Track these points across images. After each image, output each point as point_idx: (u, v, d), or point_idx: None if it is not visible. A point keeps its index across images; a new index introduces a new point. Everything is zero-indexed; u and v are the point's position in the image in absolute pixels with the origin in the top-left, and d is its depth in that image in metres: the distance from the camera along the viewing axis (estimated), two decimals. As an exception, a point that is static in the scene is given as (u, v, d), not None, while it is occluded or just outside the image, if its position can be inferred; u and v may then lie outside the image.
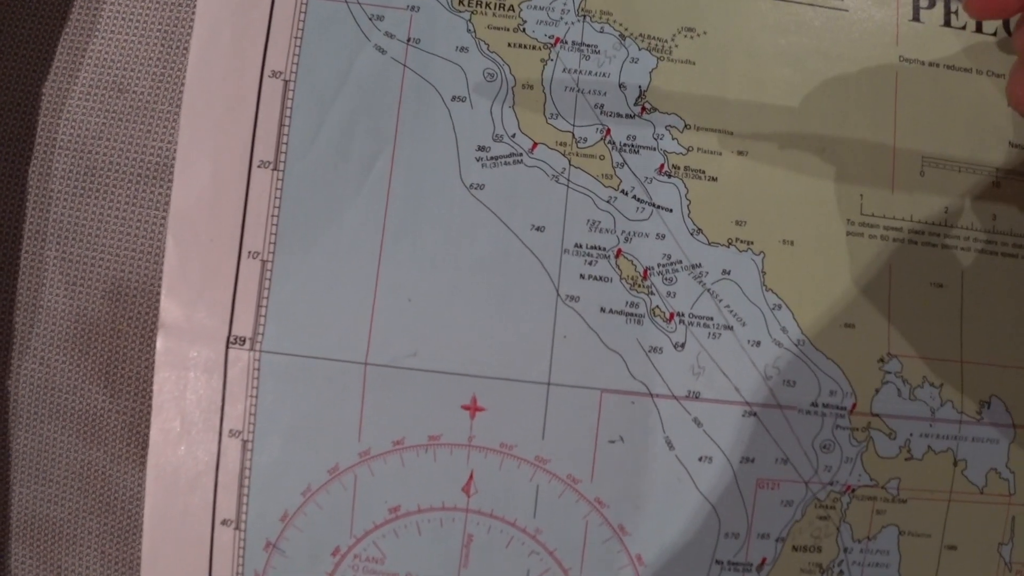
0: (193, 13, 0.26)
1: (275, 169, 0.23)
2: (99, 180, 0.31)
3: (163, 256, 0.28)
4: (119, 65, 0.31)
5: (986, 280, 0.24)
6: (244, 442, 0.22)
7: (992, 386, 0.24)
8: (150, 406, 0.28)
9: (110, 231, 0.31)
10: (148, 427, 0.29)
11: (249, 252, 0.23)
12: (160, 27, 0.31)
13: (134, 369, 0.32)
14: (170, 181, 0.29)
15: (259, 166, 0.23)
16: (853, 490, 0.23)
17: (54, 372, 0.32)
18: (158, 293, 0.29)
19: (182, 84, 0.29)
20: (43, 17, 0.32)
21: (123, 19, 0.31)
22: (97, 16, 0.31)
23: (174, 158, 0.28)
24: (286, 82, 0.23)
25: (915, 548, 0.24)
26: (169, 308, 0.23)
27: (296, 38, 0.23)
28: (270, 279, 0.22)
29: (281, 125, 0.23)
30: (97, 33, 0.31)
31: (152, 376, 0.26)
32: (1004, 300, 0.24)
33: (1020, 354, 0.24)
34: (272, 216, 0.23)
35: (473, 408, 0.22)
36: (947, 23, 0.25)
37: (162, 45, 0.31)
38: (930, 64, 0.25)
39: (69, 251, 0.31)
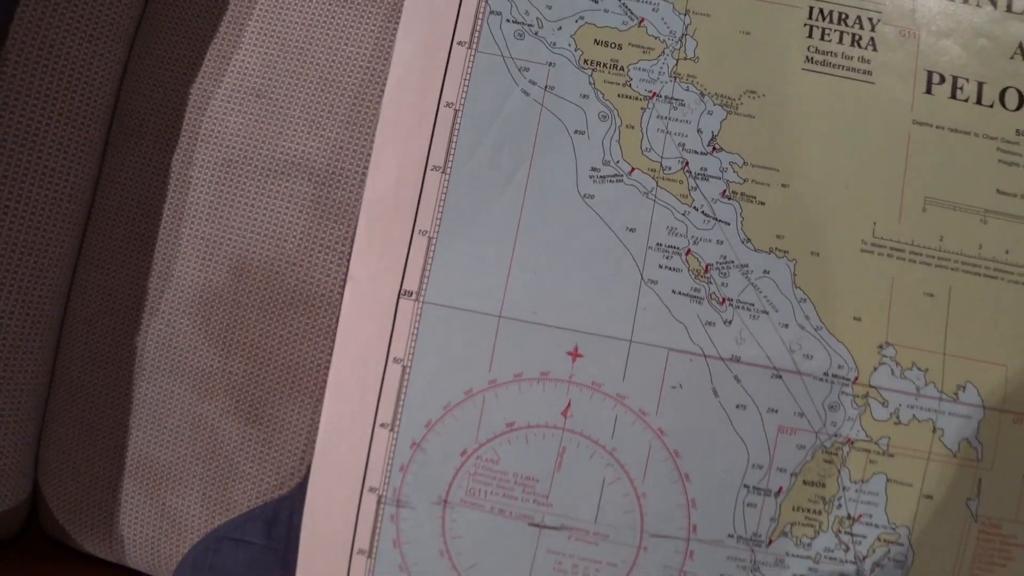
0: (330, 32, 0.32)
1: (443, 172, 0.31)
2: (234, 171, 0.37)
3: (284, 240, 0.34)
4: (259, 74, 0.37)
5: (969, 294, 0.31)
6: (404, 367, 0.31)
7: (968, 375, 0.31)
8: (259, 369, 0.34)
9: (239, 215, 0.37)
10: (255, 388, 0.34)
11: (420, 231, 0.31)
12: (297, 43, 0.37)
13: (249, 337, 0.37)
14: (295, 176, 0.35)
15: (432, 170, 0.31)
16: (852, 442, 0.30)
17: (177, 333, 0.38)
18: (277, 271, 0.35)
19: (312, 92, 0.35)
20: (194, 27, 0.35)
21: (265, 34, 0.35)
22: (243, 29, 0.35)
23: (300, 156, 0.35)
24: (456, 111, 0.32)
25: (899, 494, 0.31)
26: (357, 268, 0.31)
27: (465, 80, 0.32)
28: (434, 251, 0.31)
29: (450, 142, 0.31)
30: (242, 44, 0.36)
31: (265, 343, 0.33)
32: (982, 310, 0.31)
33: (991, 351, 0.31)
34: (439, 206, 0.31)
35: (574, 354, 0.30)
36: (953, 96, 0.33)
37: (298, 59, 0.37)
38: (937, 127, 0.32)
39: (201, 230, 0.38)
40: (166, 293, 0.34)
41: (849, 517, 0.30)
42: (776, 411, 0.29)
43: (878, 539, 0.30)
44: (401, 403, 0.29)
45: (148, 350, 0.34)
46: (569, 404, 0.29)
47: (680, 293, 0.30)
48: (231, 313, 0.33)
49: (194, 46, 0.35)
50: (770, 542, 0.29)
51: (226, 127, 0.34)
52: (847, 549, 0.30)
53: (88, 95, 0.33)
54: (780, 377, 0.29)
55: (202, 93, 0.34)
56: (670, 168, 0.30)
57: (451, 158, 0.30)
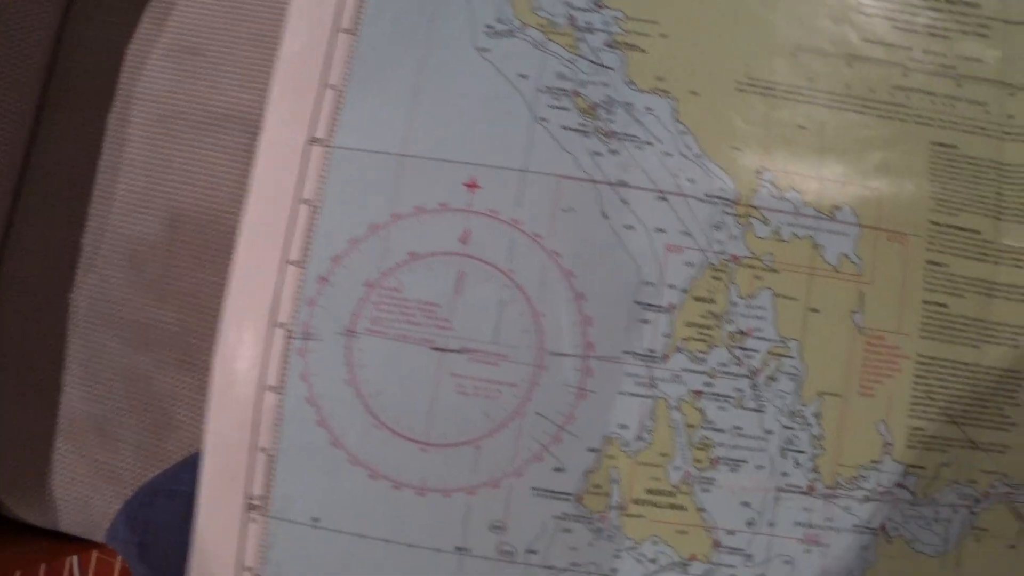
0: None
1: (353, 34, 0.34)
2: (169, 126, 0.37)
3: (218, 189, 0.35)
4: (193, 32, 0.37)
5: (839, 127, 0.34)
6: (313, 208, 0.32)
7: (843, 197, 0.33)
8: (193, 317, 0.35)
9: (174, 168, 0.38)
10: (189, 336, 0.34)
11: (330, 85, 0.33)
12: (230, 1, 0.40)
13: (182, 286, 0.37)
14: (229, 128, 0.35)
15: (342, 32, 0.34)
16: (738, 259, 0.32)
17: (111, 287, 0.38)
18: (211, 220, 0.35)
19: (245, 48, 0.37)
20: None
21: (198, -6, 0.36)
22: (176, -9, 0.36)
23: (234, 110, 0.36)
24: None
25: (786, 307, 0.32)
26: (270, 120, 0.33)
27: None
28: (342, 103, 0.33)
29: (359, 8, 0.34)
30: (177, 4, 0.36)
31: (199, 291, 0.33)
32: (851, 141, 0.34)
33: (863, 177, 0.33)
34: (348, 63, 0.33)
35: (471, 185, 0.32)
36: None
37: (231, 17, 0.39)
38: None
39: (136, 184, 0.38)
40: (101, 248, 0.35)
41: (740, 332, 0.31)
42: (663, 231, 0.31)
43: (769, 352, 0.31)
44: (309, 241, 0.31)
45: (82, 305, 0.34)
46: (467, 232, 0.31)
47: (569, 128, 0.32)
48: (165, 263, 0.34)
49: (130, 7, 0.38)
50: (666, 357, 0.31)
51: (161, 84, 0.36)
52: (740, 363, 0.31)
53: (21, 57, 0.34)
54: (665, 199, 0.31)
55: (138, 53, 0.36)
56: (558, 24, 0.33)
57: (360, 21, 0.33)
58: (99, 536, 0.35)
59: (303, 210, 0.31)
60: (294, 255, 0.31)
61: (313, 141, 0.31)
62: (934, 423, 0.32)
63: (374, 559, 0.30)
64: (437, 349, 0.30)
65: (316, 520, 0.30)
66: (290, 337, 0.30)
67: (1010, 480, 0.33)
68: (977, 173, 0.33)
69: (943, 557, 0.32)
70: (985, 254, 0.33)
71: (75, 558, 0.36)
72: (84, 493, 0.34)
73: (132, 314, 0.35)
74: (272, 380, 0.30)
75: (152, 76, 0.38)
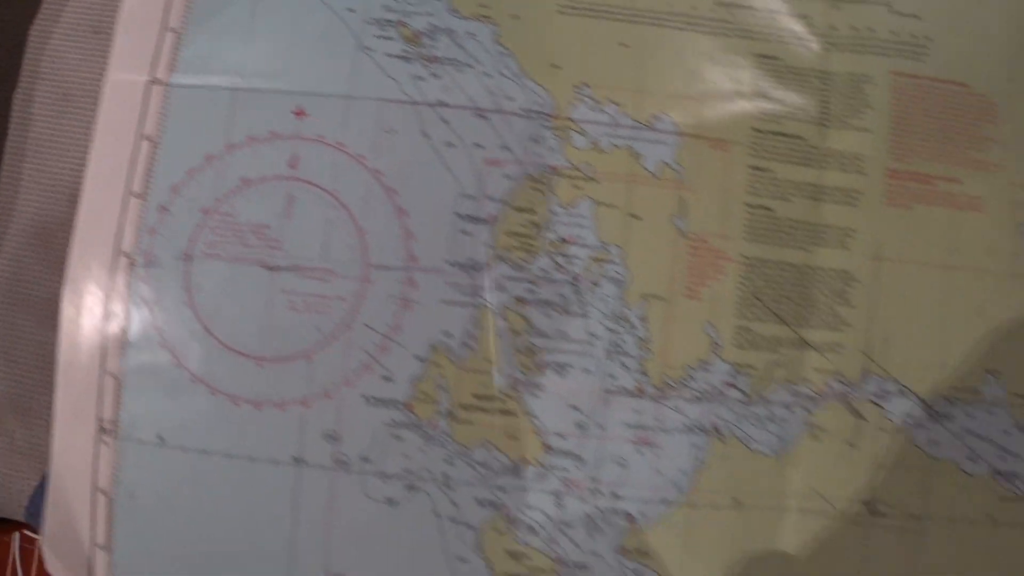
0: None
1: None
2: (73, 104, 0.40)
3: None
4: (96, 11, 0.39)
5: (661, 44, 0.35)
6: (154, 143, 0.34)
7: (662, 107, 0.33)
8: None
9: (80, 145, 0.40)
10: None
11: (170, 29, 0.35)
12: None
13: None
14: None
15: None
16: (557, 170, 0.33)
17: (23, 268, 0.40)
18: None
19: None
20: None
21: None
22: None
23: None
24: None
25: (606, 215, 0.33)
26: (113, 64, 0.34)
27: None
28: (180, 44, 0.34)
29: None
30: None
31: None
32: (673, 56, 0.34)
33: (684, 87, 0.34)
34: (187, 5, 0.35)
35: (300, 113, 0.33)
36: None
37: None
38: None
39: (43, 163, 0.41)
40: (10, 229, 0.37)
41: (562, 240, 0.32)
42: (482, 147, 0.32)
43: (591, 258, 0.32)
44: (150, 174, 0.33)
45: (-4, 290, 0.36)
46: (295, 157, 0.32)
47: (393, 56, 0.33)
48: (69, 239, 0.36)
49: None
50: (488, 267, 0.32)
51: (66, 63, 0.38)
52: (563, 270, 0.32)
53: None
54: (484, 117, 0.32)
55: (41, 32, 0.39)
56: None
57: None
58: (20, 515, 0.37)
59: (144, 146, 0.32)
60: (136, 187, 0.32)
61: (154, 82, 0.33)
62: (763, 323, 0.32)
63: (218, 474, 0.31)
64: (269, 268, 0.31)
65: (162, 439, 0.31)
66: (132, 265, 0.32)
67: (845, 379, 0.33)
68: (801, 83, 0.33)
69: (780, 456, 0.32)
70: (811, 159, 0.33)
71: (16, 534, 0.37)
72: (2, 472, 0.35)
73: (45, 293, 0.37)
74: (117, 307, 0.32)
75: (56, 55, 0.39)
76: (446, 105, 0.32)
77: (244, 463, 0.31)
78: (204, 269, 0.31)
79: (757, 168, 0.33)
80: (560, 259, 0.31)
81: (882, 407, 0.33)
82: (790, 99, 0.33)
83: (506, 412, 0.31)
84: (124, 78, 0.33)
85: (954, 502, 0.34)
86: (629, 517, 0.32)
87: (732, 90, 0.33)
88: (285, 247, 0.31)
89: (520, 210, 0.31)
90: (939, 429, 0.34)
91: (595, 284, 0.31)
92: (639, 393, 0.32)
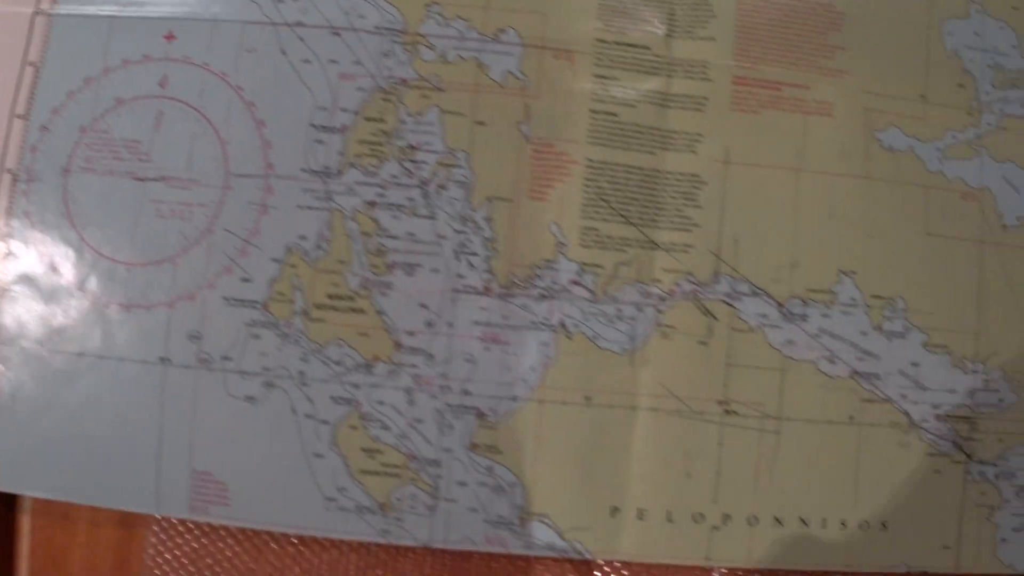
0: None
1: None
2: None
3: None
4: None
5: None
6: (37, 68, 0.36)
7: (508, 21, 0.34)
8: None
9: None
10: None
11: None
12: None
13: None
14: None
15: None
16: (406, 82, 0.34)
17: None
18: None
19: None
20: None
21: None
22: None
23: None
24: None
25: (452, 122, 0.33)
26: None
27: None
28: None
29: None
30: None
31: None
32: None
33: (527, 2, 0.35)
34: None
35: (169, 37, 0.35)
36: None
37: None
38: None
39: None
40: None
41: (410, 146, 0.33)
42: (337, 62, 0.34)
43: (438, 163, 0.33)
44: (33, 96, 0.35)
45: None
46: (165, 76, 0.34)
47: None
48: None
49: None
50: (340, 173, 0.33)
51: None
52: (411, 174, 0.33)
53: None
54: (338, 35, 0.34)
55: None
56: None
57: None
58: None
59: (28, 71, 0.35)
60: (20, 110, 0.34)
61: (38, 13, 0.35)
62: (609, 224, 0.33)
63: (92, 375, 0.33)
64: (139, 180, 0.33)
65: (41, 343, 0.33)
66: (16, 180, 0.34)
67: (695, 279, 0.34)
68: (640, -6, 0.35)
69: (631, 354, 0.33)
70: (658, 68, 0.34)
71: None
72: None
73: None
74: (0, 224, 0.34)
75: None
76: (303, 25, 0.34)
77: (115, 364, 0.33)
78: (81, 183, 0.34)
79: (602, 76, 0.34)
80: (408, 164, 0.33)
81: (734, 307, 0.34)
82: (636, 11, 0.34)
83: (358, 311, 0.32)
84: (11, 10, 0.35)
85: (812, 403, 0.34)
86: (479, 413, 0.33)
87: (577, 5, 0.34)
88: (154, 160, 0.33)
89: (371, 120, 0.33)
90: (794, 330, 0.34)
91: (442, 187, 0.33)
92: (486, 291, 0.33)
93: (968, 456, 0.35)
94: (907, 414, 0.35)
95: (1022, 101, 0.36)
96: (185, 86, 0.34)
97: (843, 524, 0.34)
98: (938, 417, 0.35)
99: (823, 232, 0.34)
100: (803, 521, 0.34)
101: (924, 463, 0.35)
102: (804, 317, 0.34)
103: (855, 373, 0.34)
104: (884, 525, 0.35)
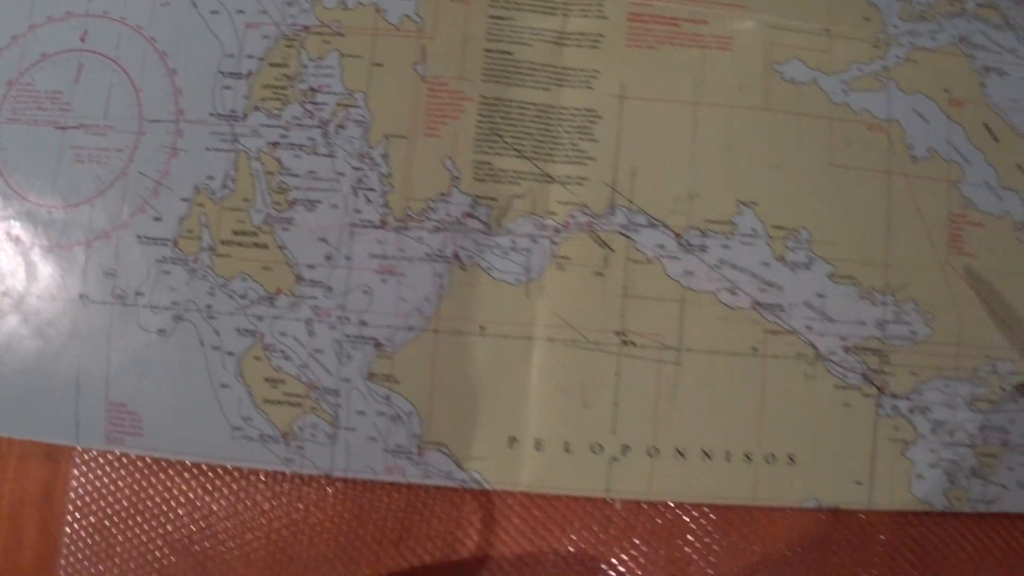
0: None
1: None
2: None
3: None
4: None
5: None
6: None
7: None
8: None
9: None
10: None
11: None
12: None
13: None
14: None
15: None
16: (308, 28, 0.35)
17: None
18: None
19: None
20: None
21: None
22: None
23: None
24: None
25: (351, 65, 0.34)
26: None
27: None
28: None
29: None
30: None
31: None
32: None
33: None
34: None
35: None
36: None
37: None
38: None
39: None
40: None
41: (311, 89, 0.34)
42: (244, 12, 0.35)
43: (338, 104, 0.34)
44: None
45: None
46: (86, 31, 0.36)
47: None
48: None
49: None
50: (245, 116, 0.34)
51: None
52: (312, 116, 0.34)
53: None
54: None
55: None
56: None
57: None
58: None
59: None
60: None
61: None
62: (503, 158, 0.34)
63: (16, 314, 0.35)
64: (60, 128, 0.35)
65: (-27, 284, 0.35)
66: (-50, 135, 0.36)
67: (591, 211, 0.34)
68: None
69: (526, 285, 0.34)
70: (553, 7, 0.35)
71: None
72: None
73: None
74: (-59, 172, 0.36)
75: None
76: (206, -19, 0.36)
77: (36, 302, 0.34)
78: (7, 133, 0.36)
79: (497, 17, 0.35)
80: (310, 106, 0.34)
81: (631, 238, 0.34)
82: (533, -45, 0.35)
83: (261, 246, 0.34)
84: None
85: (713, 334, 0.34)
86: (376, 343, 0.33)
87: (476, -50, 0.35)
88: (74, 109, 0.35)
89: (275, 65, 0.34)
90: (693, 261, 0.34)
91: (341, 127, 0.34)
92: (382, 225, 0.34)
93: (879, 389, 0.35)
94: (813, 346, 0.34)
95: (931, 33, 0.36)
96: (104, 39, 0.35)
97: (748, 457, 0.34)
98: (846, 349, 0.35)
99: (722, 164, 0.34)
100: (706, 454, 0.34)
101: (832, 396, 0.35)
102: (703, 248, 0.34)
103: (757, 304, 0.34)
104: (792, 459, 0.34)
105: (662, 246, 0.34)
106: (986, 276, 0.35)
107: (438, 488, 0.34)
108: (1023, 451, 0.35)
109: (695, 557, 0.34)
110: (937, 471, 0.35)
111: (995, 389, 0.35)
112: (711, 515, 0.34)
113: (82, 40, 0.36)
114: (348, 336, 0.33)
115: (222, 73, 0.34)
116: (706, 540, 0.35)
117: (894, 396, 0.35)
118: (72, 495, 0.35)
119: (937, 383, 0.35)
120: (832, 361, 0.35)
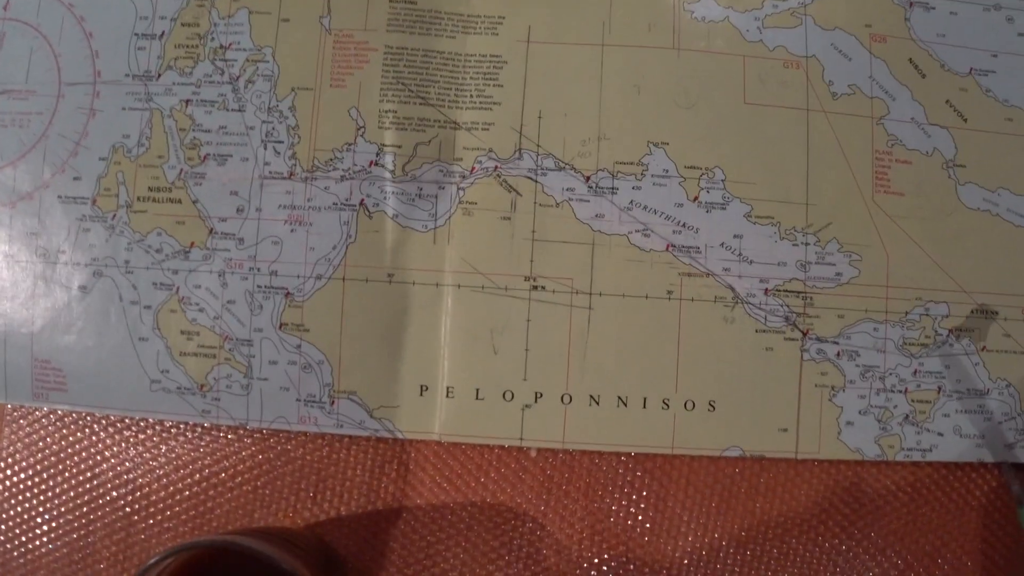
0: None
1: None
2: None
3: None
4: None
5: None
6: None
7: None
8: None
9: None
10: None
11: None
12: None
13: None
14: None
15: None
16: None
17: None
18: None
19: None
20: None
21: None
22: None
23: None
24: None
25: (260, 21, 0.34)
26: None
27: None
28: None
29: None
30: None
31: None
32: None
33: None
34: None
35: None
36: None
37: None
38: None
39: None
40: None
41: (221, 46, 0.35)
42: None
43: (247, 60, 0.34)
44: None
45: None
46: (8, 1, 0.37)
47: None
48: None
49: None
50: (158, 75, 0.35)
51: None
52: (222, 72, 0.35)
53: None
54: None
55: None
56: None
57: None
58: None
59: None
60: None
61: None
62: (408, 106, 0.34)
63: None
64: (-14, 95, 0.36)
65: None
66: None
67: (497, 155, 0.34)
68: None
69: (434, 231, 0.33)
70: (459, -45, 0.35)
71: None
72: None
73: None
74: None
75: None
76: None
77: (-33, 263, 0.35)
78: (-62, 103, 0.37)
79: (403, -33, 0.35)
80: (220, 63, 0.34)
81: (538, 182, 0.33)
82: (441, -94, 0.35)
83: (175, 201, 0.34)
84: None
85: (626, 278, 0.33)
86: (286, 293, 0.33)
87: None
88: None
89: (186, 25, 0.35)
90: (603, 203, 0.33)
91: (250, 82, 0.34)
92: (290, 176, 0.34)
93: (803, 333, 0.34)
94: (731, 288, 0.33)
95: (852, -33, 0.35)
96: (25, 6, 0.36)
97: (665, 404, 0.33)
98: (767, 292, 0.34)
99: (631, 105, 0.34)
100: (621, 400, 0.33)
101: (754, 340, 0.34)
102: (613, 190, 0.33)
103: (672, 246, 0.33)
104: (712, 406, 0.33)
105: (571, 189, 0.33)
106: (915, 215, 0.34)
107: (353, 438, 0.34)
108: (959, 397, 0.34)
109: (614, 508, 0.34)
110: (868, 418, 0.34)
111: (928, 333, 0.34)
112: (629, 464, 0.34)
113: (4, 9, 0.37)
114: (259, 287, 0.33)
115: (136, 35, 0.35)
116: (625, 490, 0.34)
117: (819, 340, 0.34)
118: (3, 455, 0.36)
119: (866, 326, 0.34)
120: (752, 304, 0.33)
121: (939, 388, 0.34)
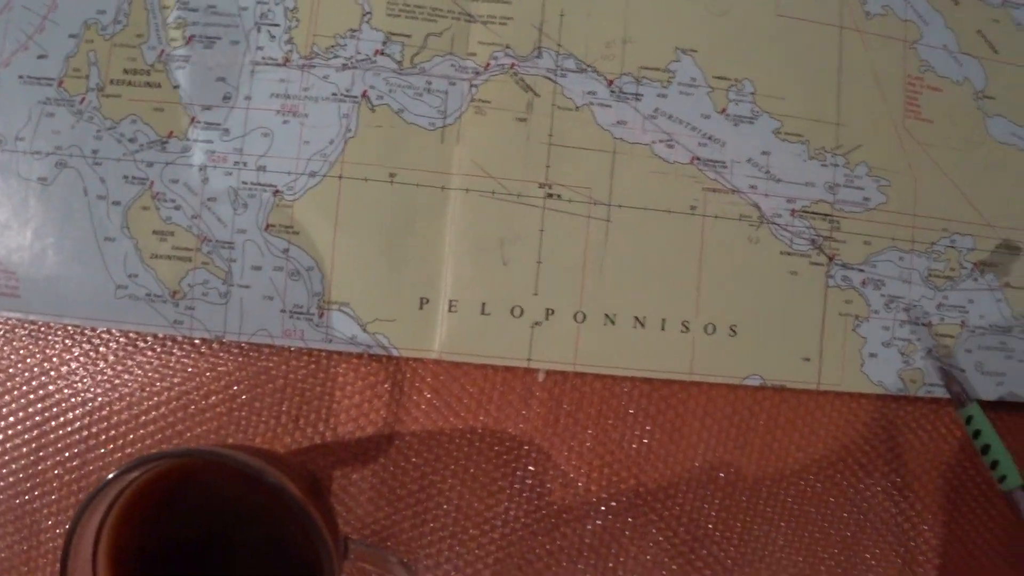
0: None
1: None
2: None
3: None
4: None
5: None
6: None
7: None
8: None
9: None
10: None
11: None
12: None
13: None
14: None
15: None
16: None
17: None
18: None
19: None
20: None
21: None
22: None
23: None
24: None
25: None
26: None
27: None
28: None
29: None
30: None
31: None
32: None
33: None
34: None
35: None
36: None
37: None
38: None
39: None
40: None
41: (213, -81, 0.31)
42: None
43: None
44: None
45: None
46: None
47: None
48: None
49: None
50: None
51: None
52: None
53: None
54: None
55: None
56: None
57: None
58: None
59: None
60: None
61: None
62: (419, -7, 0.30)
63: None
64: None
65: None
66: None
67: (514, 52, 0.30)
68: None
69: (442, 130, 0.30)
70: None
71: None
72: None
73: None
74: None
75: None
76: None
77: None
78: None
79: None
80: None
81: (558, 83, 0.30)
82: None
83: (153, 85, 0.30)
84: None
85: (648, 190, 0.30)
86: (275, 191, 0.30)
87: None
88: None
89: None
90: (626, 109, 0.31)
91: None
92: (285, 63, 0.30)
93: (829, 258, 0.31)
94: (757, 207, 0.31)
95: None
96: None
97: (685, 327, 0.30)
98: (793, 212, 0.31)
99: (659, 7, 0.31)
100: (639, 321, 0.30)
101: (778, 263, 0.31)
102: (637, 96, 0.31)
103: (696, 159, 0.31)
104: (733, 330, 0.31)
105: (592, 92, 0.30)
106: (944, 144, 0.32)
107: (342, 355, 0.30)
108: (982, 333, 0.32)
109: (626, 436, 0.31)
110: (891, 351, 0.31)
111: (953, 265, 0.32)
112: (644, 388, 0.31)
113: None
114: (245, 183, 0.30)
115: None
116: (639, 418, 0.31)
117: (845, 266, 0.31)
118: (-56, 365, 0.31)
119: (891, 255, 0.31)
120: (778, 224, 0.31)
121: (962, 323, 0.32)
